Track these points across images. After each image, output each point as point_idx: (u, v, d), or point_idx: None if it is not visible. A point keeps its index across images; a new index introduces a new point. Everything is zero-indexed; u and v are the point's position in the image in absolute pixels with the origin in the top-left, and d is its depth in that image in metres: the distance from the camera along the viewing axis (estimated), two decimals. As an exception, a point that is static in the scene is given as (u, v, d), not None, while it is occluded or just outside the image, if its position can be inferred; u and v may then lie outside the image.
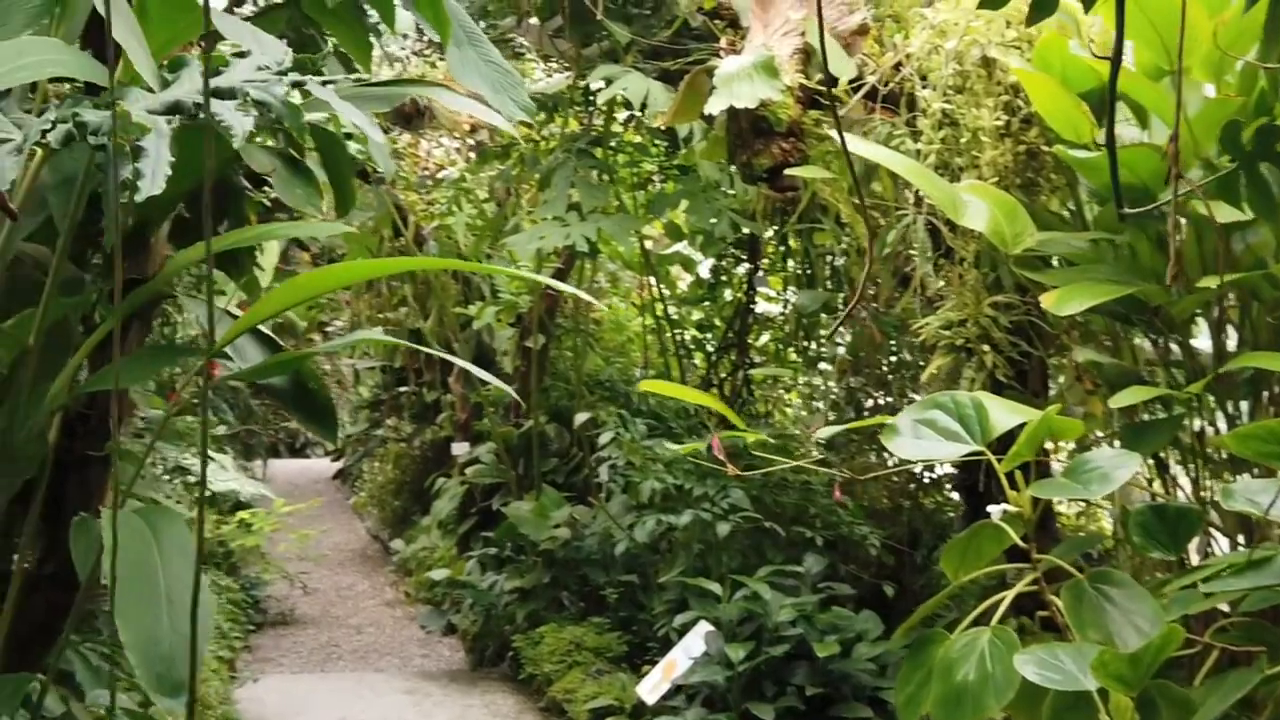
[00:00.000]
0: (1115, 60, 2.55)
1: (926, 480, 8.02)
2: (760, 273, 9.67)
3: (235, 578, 10.57)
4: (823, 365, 9.15)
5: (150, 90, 2.89)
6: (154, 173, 2.56)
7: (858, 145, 5.12)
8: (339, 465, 15.92)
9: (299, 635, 10.45)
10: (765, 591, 6.49)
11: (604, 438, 7.97)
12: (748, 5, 6.58)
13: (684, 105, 6.52)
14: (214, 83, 2.80)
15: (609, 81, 7.71)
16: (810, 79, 6.23)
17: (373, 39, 5.21)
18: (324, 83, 3.17)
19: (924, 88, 5.55)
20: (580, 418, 8.88)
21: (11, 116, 2.96)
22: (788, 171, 6.04)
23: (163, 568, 3.17)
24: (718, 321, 10.18)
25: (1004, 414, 4.20)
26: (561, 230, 7.93)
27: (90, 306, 3.86)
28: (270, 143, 3.93)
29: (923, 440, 4.20)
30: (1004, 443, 4.06)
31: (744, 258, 9.69)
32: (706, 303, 10.15)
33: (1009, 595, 4.10)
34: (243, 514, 10.90)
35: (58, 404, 3.63)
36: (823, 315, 8.61)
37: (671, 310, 10.59)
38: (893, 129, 5.90)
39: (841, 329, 8.58)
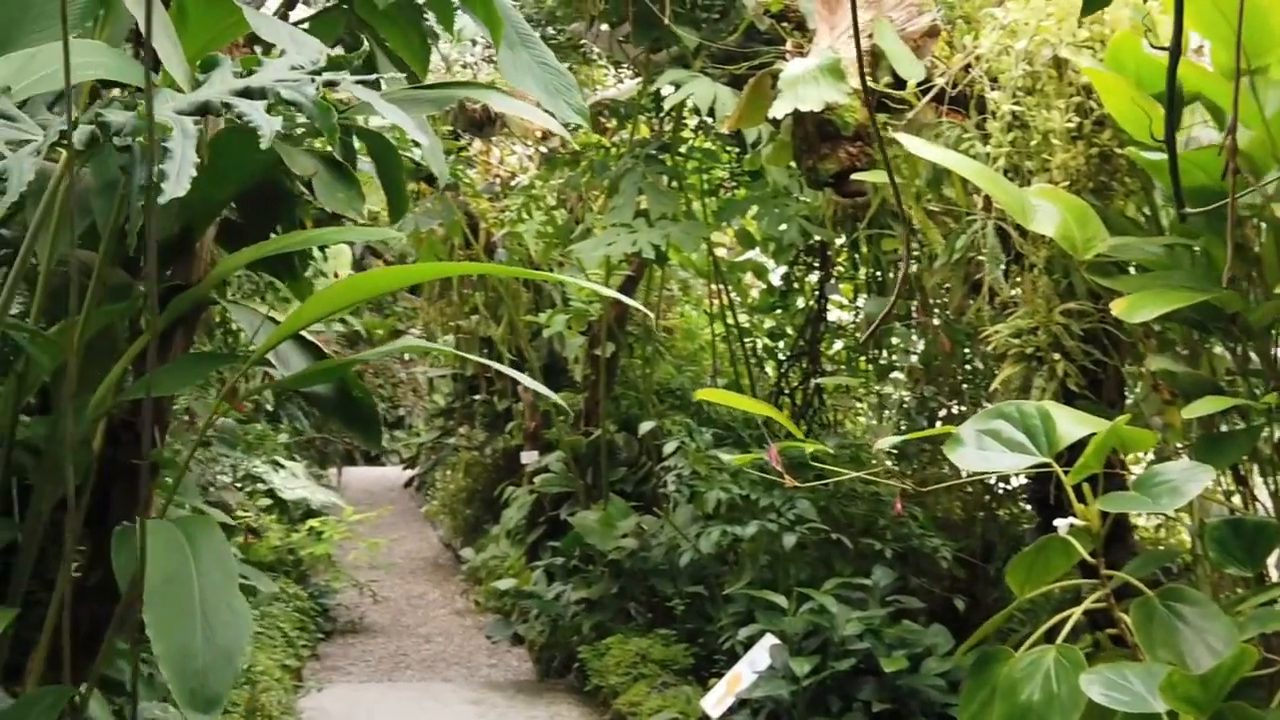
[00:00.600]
0: (1174, 54, 2.42)
1: (1001, 491, 7.85)
2: (832, 280, 9.54)
3: (304, 586, 10.54)
4: (897, 374, 9.01)
5: (181, 91, 2.82)
6: (179, 174, 2.49)
7: (922, 148, 5.00)
8: (410, 473, 15.90)
9: (368, 644, 10.41)
10: (832, 604, 6.36)
11: (669, 447, 7.86)
12: (814, 8, 6.47)
13: (748, 109, 6.41)
14: (244, 83, 2.73)
15: (676, 86, 7.62)
16: (878, 81, 6.11)
17: (433, 43, 5.20)
18: (370, 84, 3.09)
19: (993, 89, 5.41)
20: (645, 426, 8.78)
21: (39, 118, 2.90)
22: (854, 176, 5.92)
23: (198, 579, 3.11)
24: (790, 330, 10.05)
25: (1071, 424, 4.06)
26: (629, 237, 7.84)
27: (137, 313, 3.81)
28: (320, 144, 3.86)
29: (987, 451, 4.08)
30: (1073, 454, 3.93)
31: (816, 265, 9.57)
32: (778, 311, 10.02)
33: (1076, 612, 3.96)
34: (312, 522, 10.88)
35: (100, 412, 3.59)
36: (896, 323, 8.47)
37: (743, 318, 10.49)
38: (963, 132, 5.76)
39: (914, 337, 8.45)
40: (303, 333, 3.81)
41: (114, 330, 3.78)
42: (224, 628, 3.05)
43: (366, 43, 4.66)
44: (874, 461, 7.93)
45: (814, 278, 9.67)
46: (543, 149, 11.19)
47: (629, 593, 8.50)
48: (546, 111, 4.29)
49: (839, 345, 9.81)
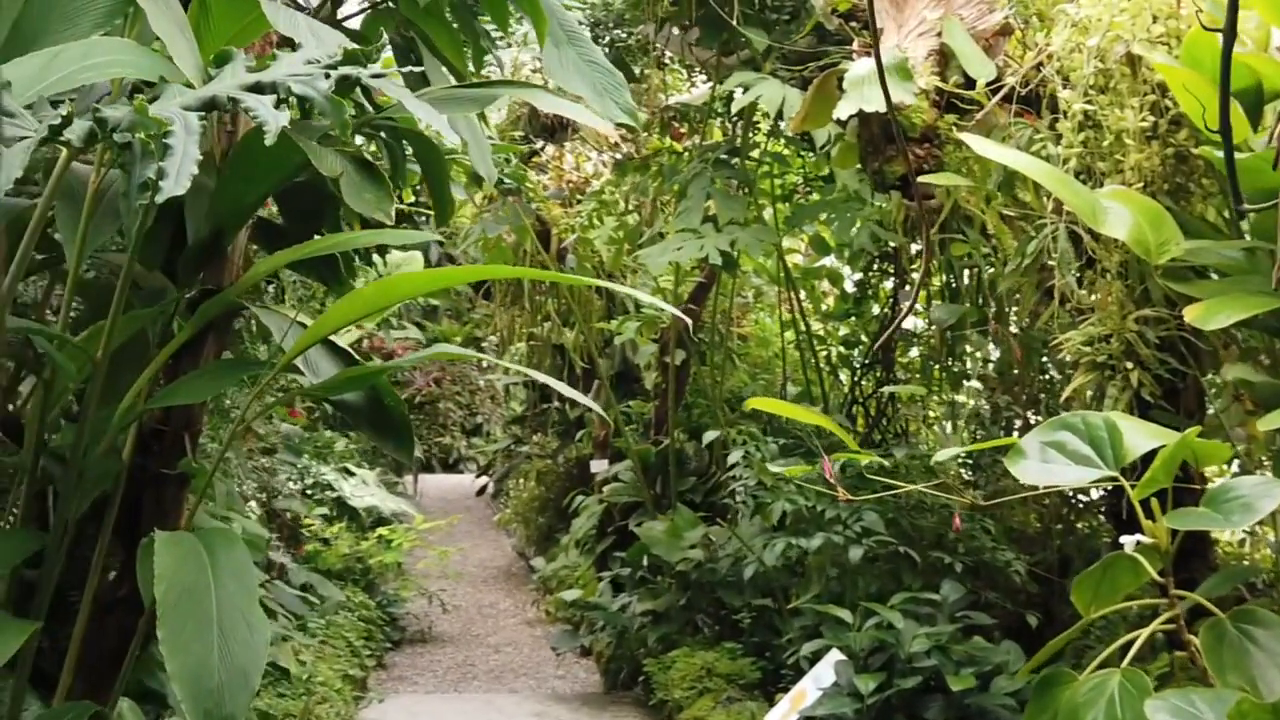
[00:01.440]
0: (1228, 36, 2.25)
1: (1080, 503, 7.61)
2: (906, 287, 9.33)
3: (372, 594, 10.47)
4: (974, 383, 8.80)
5: (191, 88, 2.71)
6: (179, 171, 2.37)
7: (989, 149, 4.83)
8: (482, 481, 15.82)
9: (436, 653, 10.33)
10: (898, 620, 6.18)
11: (732, 457, 7.71)
12: (882, 6, 6.30)
13: (812, 110, 6.25)
14: (255, 77, 2.62)
15: (745, 89, 7.47)
16: (947, 81, 5.93)
17: (488, 45, 5.09)
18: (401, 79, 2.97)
19: (1065, 88, 5.23)
20: (709, 435, 8.62)
21: (41, 113, 2.81)
22: (921, 178, 5.75)
23: (216, 594, 2.99)
24: (864, 337, 9.86)
25: (1140, 436, 3.88)
26: (695, 242, 7.70)
27: (170, 318, 3.72)
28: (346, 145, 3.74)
29: (1050, 464, 3.90)
30: (1146, 467, 3.74)
31: (890, 271, 9.37)
32: (852, 318, 9.83)
33: (1143, 634, 3.78)
34: (381, 530, 10.83)
35: (128, 420, 3.49)
36: (971, 331, 8.28)
37: (816, 325, 10.32)
38: (1035, 133, 5.58)
39: (991, 345, 8.25)
40: (334, 339, 3.70)
41: (145, 336, 3.69)
42: (241, 645, 2.94)
43: (416, 43, 4.57)
44: (955, 473, 7.75)
45: (889, 284, 9.47)
46: (616, 155, 11.08)
47: (696, 605, 8.35)
48: (595, 112, 4.16)
49: (915, 353, 9.61)
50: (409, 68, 4.28)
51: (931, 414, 8.67)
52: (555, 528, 13.17)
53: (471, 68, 4.94)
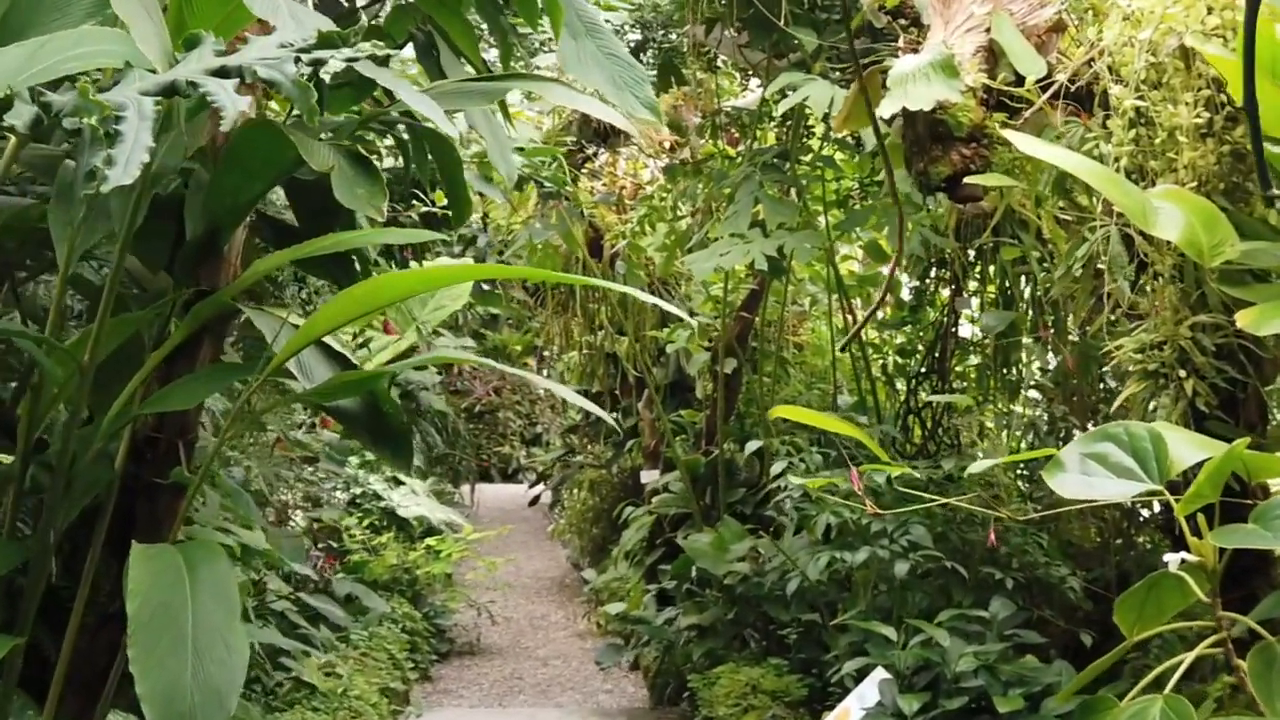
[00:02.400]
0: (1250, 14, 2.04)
1: (1141, 516, 7.34)
2: (964, 294, 9.09)
3: (419, 606, 10.35)
4: (1030, 392, 8.56)
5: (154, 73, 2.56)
6: (128, 160, 2.22)
7: (1035, 147, 4.61)
8: (535, 491, 15.68)
9: (484, 666, 10.19)
10: (944, 638, 5.96)
11: (775, 468, 7.51)
12: (929, 1, 6.10)
13: (855, 110, 6.06)
14: (222, 61, 2.47)
15: (792, 90, 7.27)
16: (995, 79, 5.72)
17: (515, 39, 4.94)
18: (380, 62, 2.81)
19: (1116, 84, 5.01)
20: (751, 446, 8.41)
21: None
22: (967, 179, 5.54)
23: (193, 612, 2.84)
24: (921, 346, 9.63)
25: (1187, 448, 3.66)
26: (742, 248, 7.50)
27: (165, 320, 3.58)
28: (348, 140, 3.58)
29: (1091, 477, 3.69)
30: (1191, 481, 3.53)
31: (948, 277, 9.13)
32: (908, 326, 9.60)
33: (1188, 658, 3.56)
34: (430, 540, 10.70)
35: (118, 426, 3.35)
36: (1026, 338, 8.05)
37: (872, 333, 10.10)
38: (1086, 131, 5.36)
39: (1050, 353, 8.01)
40: (332, 342, 3.55)
41: (141, 340, 3.55)
42: (218, 666, 2.78)
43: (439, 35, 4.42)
44: (1019, 489, 7.51)
45: (947, 291, 9.23)
46: (672, 160, 10.90)
47: (743, 619, 8.14)
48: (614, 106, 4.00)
49: (974, 360, 9.35)
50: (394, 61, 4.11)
51: (986, 424, 8.41)
52: (609, 538, 13.01)
53: (499, 66, 4.79)
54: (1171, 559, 3.53)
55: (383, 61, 2.74)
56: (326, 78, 2.62)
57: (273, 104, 4.42)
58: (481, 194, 11.03)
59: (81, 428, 3.33)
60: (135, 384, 3.30)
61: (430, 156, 3.94)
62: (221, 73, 2.42)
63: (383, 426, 3.50)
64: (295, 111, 3.30)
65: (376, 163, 3.74)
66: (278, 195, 4.21)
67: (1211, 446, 3.65)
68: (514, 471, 20.75)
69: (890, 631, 6.17)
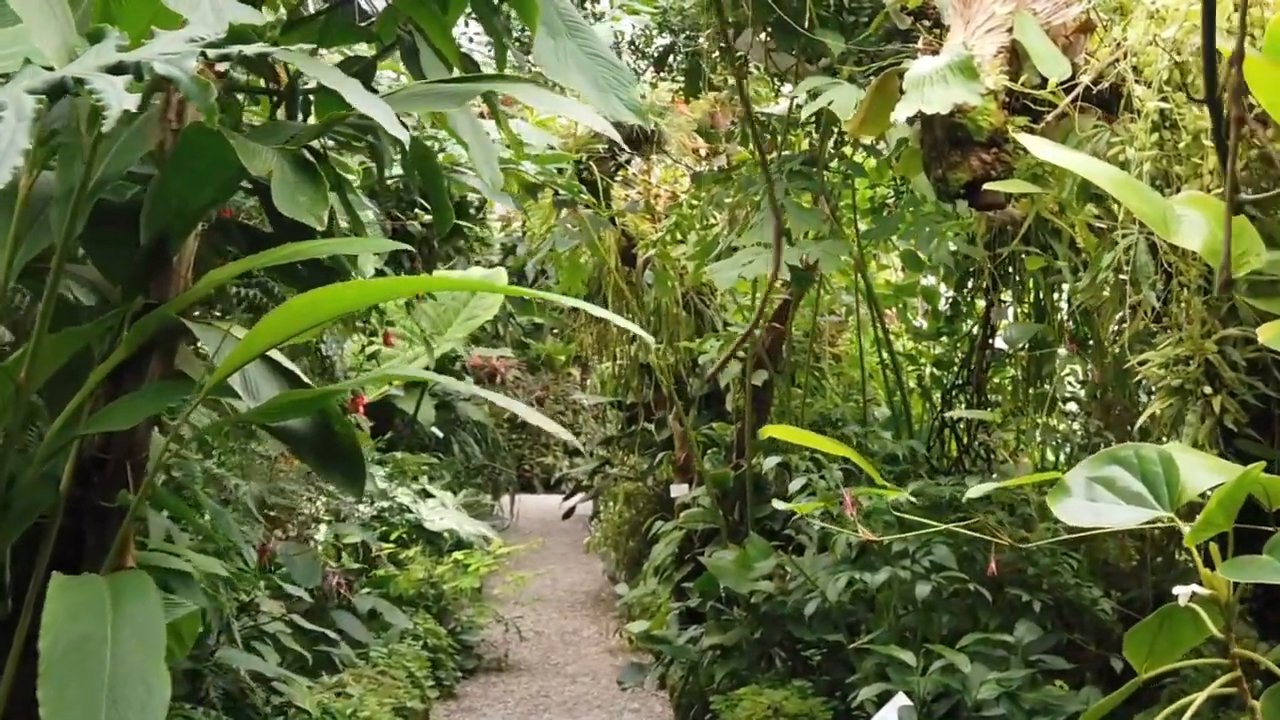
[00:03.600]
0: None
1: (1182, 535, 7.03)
2: (1001, 304, 8.83)
3: (445, 621, 10.17)
4: (1067, 406, 8.30)
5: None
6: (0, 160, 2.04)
7: (1049, 151, 4.38)
8: (570, 503, 15.48)
9: (511, 683, 9.99)
10: (964, 663, 5.71)
11: (794, 485, 7.28)
12: (950, 1, 5.87)
13: (871, 114, 5.83)
14: (120, 58, 2.28)
15: (817, 94, 7.05)
16: (1017, 80, 5.49)
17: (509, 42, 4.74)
18: (309, 54, 2.63)
19: (1140, 85, 4.77)
20: (768, 462, 8.17)
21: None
22: (987, 186, 5.31)
23: (112, 649, 2.66)
24: (958, 358, 9.37)
25: (1201, 472, 3.42)
26: (766, 256, 7.29)
27: (116, 335, 3.40)
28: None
29: (1097, 503, 3.45)
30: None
31: (985, 288, 8.87)
32: (944, 337, 9.35)
33: (1198, 698, 3.31)
34: (457, 554, 10.52)
35: (57, 446, 3.18)
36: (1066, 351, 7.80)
37: (909, 345, 9.87)
38: (1113, 136, 5.12)
39: (1089, 366, 7.76)
40: (281, 358, 3.36)
41: (92, 355, 3.38)
42: (135, 710, 2.60)
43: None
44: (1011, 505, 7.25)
45: (984, 301, 8.98)
46: (708, 168, 10.68)
47: (769, 639, 7.90)
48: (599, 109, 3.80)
49: (1012, 373, 9.09)
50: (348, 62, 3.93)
51: (1021, 439, 8.13)
52: (643, 552, 12.76)
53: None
54: (1182, 592, 3.29)
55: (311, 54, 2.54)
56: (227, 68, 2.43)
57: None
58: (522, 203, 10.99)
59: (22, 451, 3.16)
60: (76, 403, 3.14)
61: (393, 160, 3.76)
62: (117, 69, 2.25)
63: (333, 448, 3.31)
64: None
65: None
66: (254, 201, 4.05)
67: (1228, 470, 3.41)
68: (557, 482, 20.58)
69: (909, 656, 5.93)
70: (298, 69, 3.60)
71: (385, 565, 10.01)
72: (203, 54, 2.29)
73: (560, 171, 8.44)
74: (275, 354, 3.35)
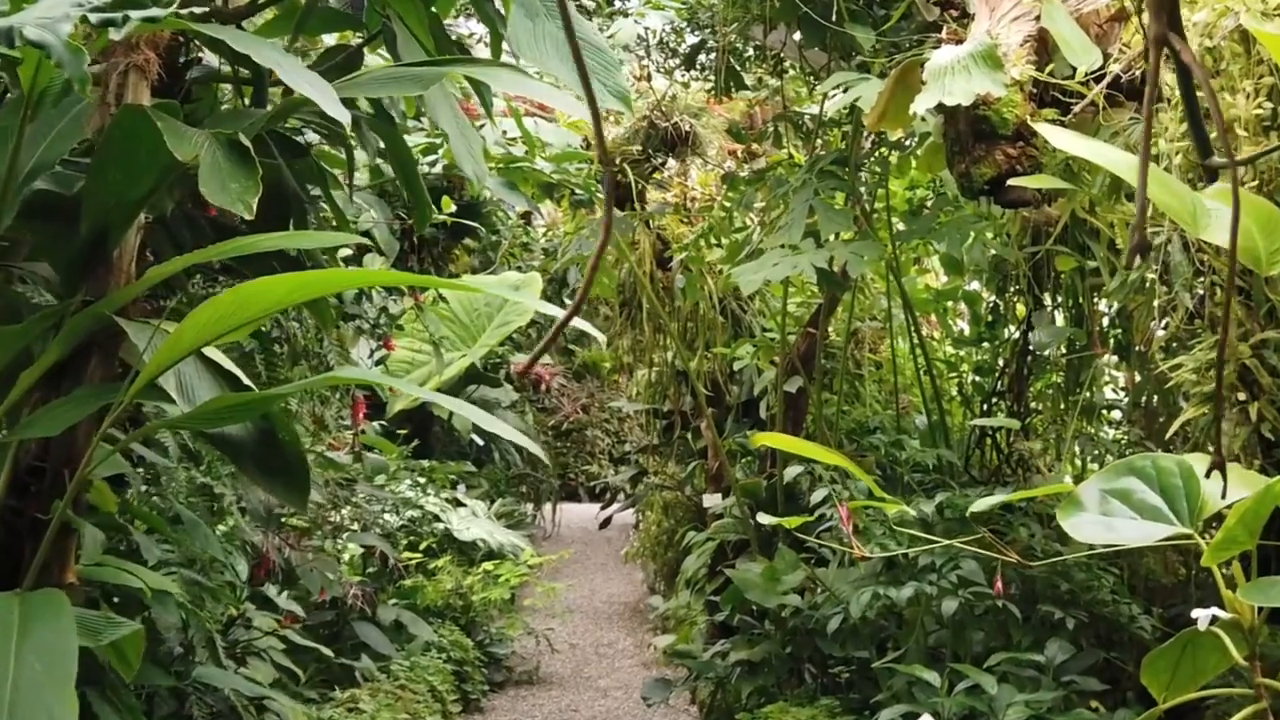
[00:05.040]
0: None
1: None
2: (1044, 308, 8.51)
3: (474, 633, 9.94)
4: (1111, 413, 7.99)
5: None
6: None
7: (1068, 141, 4.10)
8: (606, 513, 15.22)
9: (540, 697, 9.76)
10: (991, 684, 5.44)
11: (816, 495, 7.01)
12: (974, -12, 5.62)
13: (891, 106, 5.58)
14: (-3, 23, 2.07)
15: (844, 90, 6.80)
16: (1045, 71, 5.23)
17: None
18: (200, 18, 2.40)
19: (1171, 73, 4.50)
20: (791, 471, 7.90)
21: None
22: (1012, 181, 5.04)
23: (14, 675, 2.44)
24: (1000, 363, 9.07)
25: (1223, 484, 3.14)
26: (791, 259, 7.03)
27: (52, 332, 3.20)
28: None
29: (1112, 518, 3.19)
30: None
31: (1024, 291, 8.56)
32: (984, 343, 9.04)
33: (1223, 733, 3.04)
34: (487, 564, 10.29)
35: (-16, 454, 2.97)
36: (1109, 355, 7.50)
37: (949, 350, 9.58)
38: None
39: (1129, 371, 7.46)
40: (221, 359, 3.14)
41: (30, 357, 3.17)
42: (30, 741, 2.38)
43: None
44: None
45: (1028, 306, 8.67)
46: (746, 170, 10.43)
47: (799, 654, 7.62)
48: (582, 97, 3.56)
49: (1056, 379, 8.77)
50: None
51: (1047, 449, 7.81)
52: (681, 563, 12.52)
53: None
54: (1201, 616, 3.03)
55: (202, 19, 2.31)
56: (118, 35, 2.21)
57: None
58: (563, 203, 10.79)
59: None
60: (4, 408, 2.92)
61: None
62: (-9, 36, 2.03)
63: (276, 457, 3.08)
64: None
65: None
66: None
67: (1254, 482, 3.13)
68: (601, 490, 20.35)
69: (933, 677, 5.66)
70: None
71: (414, 575, 9.81)
72: (84, 18, 2.08)
73: (581, 171, 8.20)
74: (216, 354, 3.13)
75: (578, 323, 3.23)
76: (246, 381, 3.18)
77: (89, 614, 3.04)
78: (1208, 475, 2.77)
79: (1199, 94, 2.26)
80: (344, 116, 2.86)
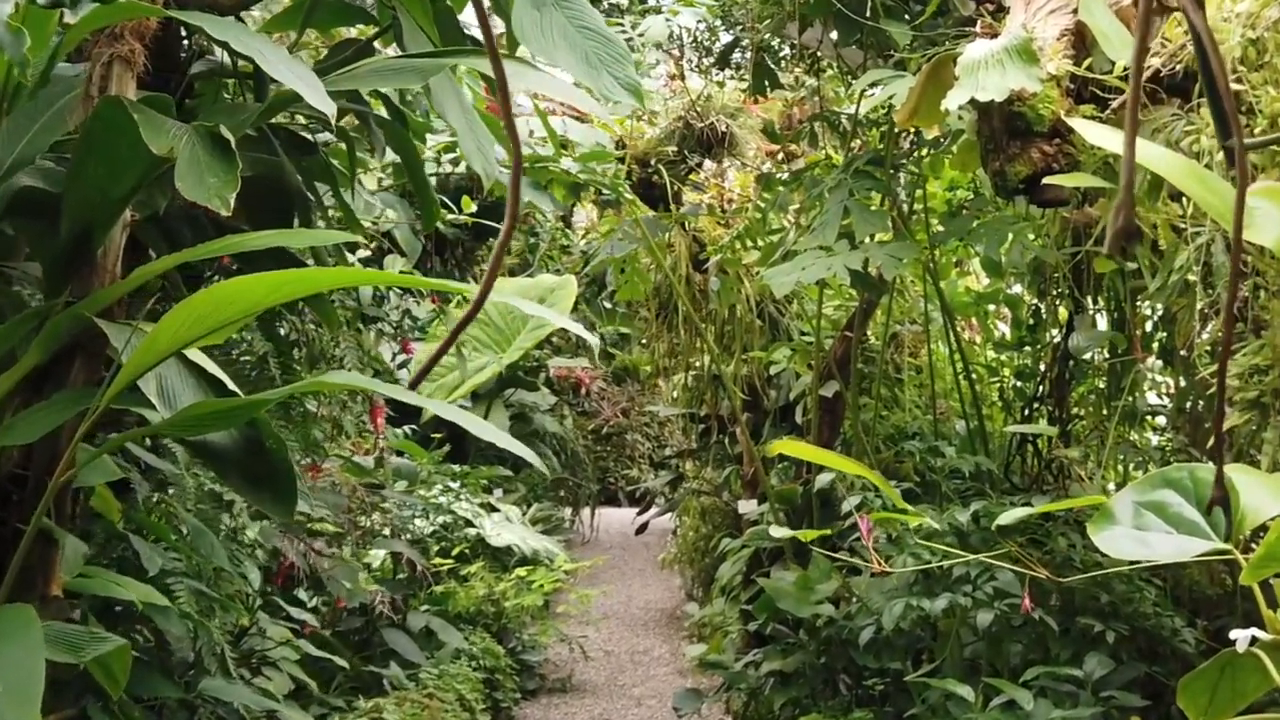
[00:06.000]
0: None
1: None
2: (1087, 311, 8.31)
3: (505, 640, 9.81)
4: (1156, 419, 7.80)
5: None
6: None
7: (1101, 136, 3.94)
8: (643, 519, 15.05)
9: (573, 705, 9.62)
10: (1026, 700, 5.26)
11: (848, 503, 6.84)
12: (1010, -19, 5.45)
13: (923, 102, 5.40)
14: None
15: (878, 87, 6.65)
16: (1082, 65, 5.05)
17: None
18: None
19: (1213, 65, 4.31)
20: (822, 479, 7.72)
21: None
22: (1049, 180, 4.87)
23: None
24: (1042, 368, 8.87)
25: (1265, 497, 2.97)
26: (824, 261, 6.86)
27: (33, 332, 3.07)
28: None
29: (1146, 532, 3.02)
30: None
31: (1065, 294, 8.37)
32: (1026, 348, 8.85)
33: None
34: (520, 570, 10.16)
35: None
36: (1153, 360, 7.32)
37: (988, 356, 9.39)
38: (1188, 123, 4.67)
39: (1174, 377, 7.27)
40: (205, 362, 3.01)
41: (14, 361, 3.05)
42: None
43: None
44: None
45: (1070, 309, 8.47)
46: (784, 171, 10.27)
47: (832, 665, 7.44)
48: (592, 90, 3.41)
49: (1100, 384, 8.57)
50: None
51: (1085, 456, 7.61)
52: (717, 569, 12.37)
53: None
54: (1240, 637, 2.86)
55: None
56: (72, 18, 2.08)
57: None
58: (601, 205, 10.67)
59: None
60: (-17, 415, 2.80)
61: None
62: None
63: (263, 466, 2.94)
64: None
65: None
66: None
67: (1298, 495, 2.96)
68: (641, 495, 20.20)
69: (967, 691, 5.48)
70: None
71: (446, 581, 9.69)
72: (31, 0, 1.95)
73: (612, 171, 8.04)
74: (200, 358, 3.01)
75: (570, 326, 3.09)
76: (232, 386, 3.05)
77: (70, 628, 2.92)
78: (1208, 511, 2.63)
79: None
80: (329, 108, 2.73)
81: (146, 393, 2.82)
